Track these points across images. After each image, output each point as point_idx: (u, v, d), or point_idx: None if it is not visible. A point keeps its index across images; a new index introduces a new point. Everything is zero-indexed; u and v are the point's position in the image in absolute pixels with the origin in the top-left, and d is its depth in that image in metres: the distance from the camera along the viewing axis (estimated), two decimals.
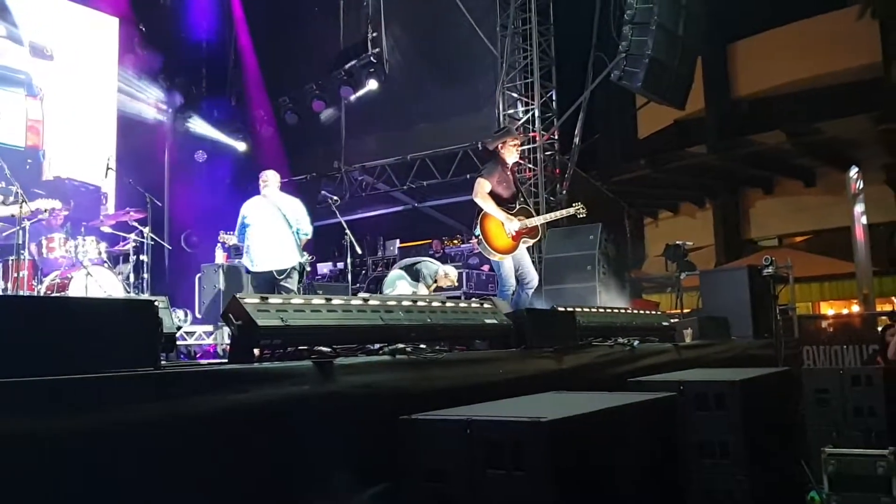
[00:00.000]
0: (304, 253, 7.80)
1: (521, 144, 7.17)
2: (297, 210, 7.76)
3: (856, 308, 16.45)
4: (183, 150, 13.49)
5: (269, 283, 7.48)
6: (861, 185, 15.31)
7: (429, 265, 9.29)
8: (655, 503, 3.39)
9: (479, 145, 13.56)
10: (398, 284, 8.94)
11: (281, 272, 7.52)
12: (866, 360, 9.35)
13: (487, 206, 6.87)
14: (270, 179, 7.84)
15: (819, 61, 20.64)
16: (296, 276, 7.56)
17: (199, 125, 13.65)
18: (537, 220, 7.04)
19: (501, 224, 6.87)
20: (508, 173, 7.11)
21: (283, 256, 7.59)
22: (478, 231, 6.90)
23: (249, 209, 7.72)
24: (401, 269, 9.21)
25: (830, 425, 7.05)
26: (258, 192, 7.74)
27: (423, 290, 9.01)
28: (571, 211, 7.33)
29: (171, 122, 13.53)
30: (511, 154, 7.13)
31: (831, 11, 20.59)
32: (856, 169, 15.94)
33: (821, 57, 20.53)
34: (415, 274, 9.11)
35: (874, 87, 19.81)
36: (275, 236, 7.57)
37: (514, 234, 6.89)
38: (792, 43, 21.43)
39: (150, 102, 12.95)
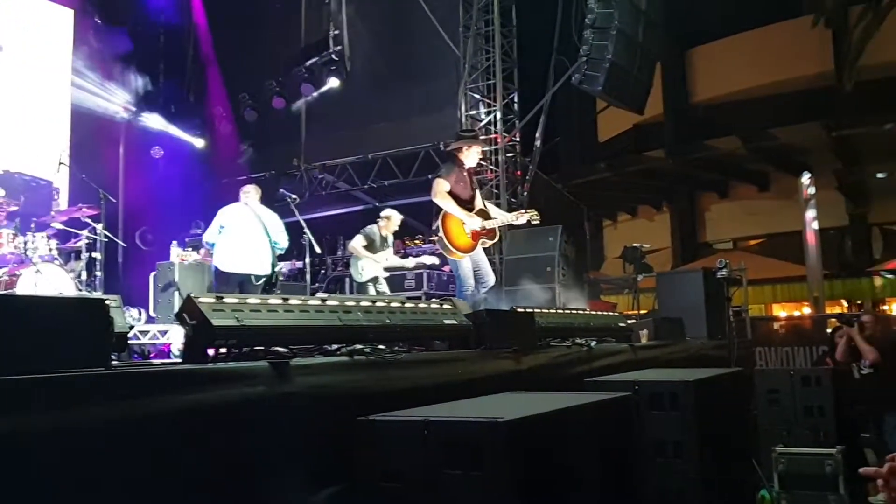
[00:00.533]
0: (278, 263, 8.11)
1: (484, 148, 7.09)
2: (276, 223, 8.08)
3: (807, 310, 16.81)
4: (139, 145, 13.25)
5: (236, 285, 7.61)
6: (813, 191, 15.65)
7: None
8: (611, 501, 3.42)
9: (441, 145, 13.57)
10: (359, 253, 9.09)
11: (259, 277, 7.73)
12: (816, 362, 9.56)
13: (447, 205, 6.80)
14: (252, 191, 8.18)
15: (774, 69, 21.04)
16: (264, 284, 7.71)
17: (155, 120, 13.42)
18: (496, 223, 7.00)
19: (462, 223, 6.82)
20: (465, 174, 7.03)
21: (258, 262, 7.82)
22: (439, 230, 6.84)
23: (229, 213, 7.95)
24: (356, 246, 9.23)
25: (781, 424, 7.19)
26: (223, 192, 7.87)
27: (379, 244, 9.11)
28: (526, 216, 7.25)
29: (127, 117, 13.29)
30: (470, 157, 7.06)
31: (786, 20, 21.01)
32: (808, 175, 16.30)
33: (775, 64, 20.94)
34: (365, 235, 9.17)
35: (826, 94, 20.26)
36: (252, 242, 7.82)
37: (473, 233, 6.86)
38: (748, 50, 21.84)
39: (106, 97, 12.71)
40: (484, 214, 7.00)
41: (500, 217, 7.12)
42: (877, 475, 1.70)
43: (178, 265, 9.73)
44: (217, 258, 7.89)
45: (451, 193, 6.83)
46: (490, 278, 7.09)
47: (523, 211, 7.26)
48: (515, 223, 7.22)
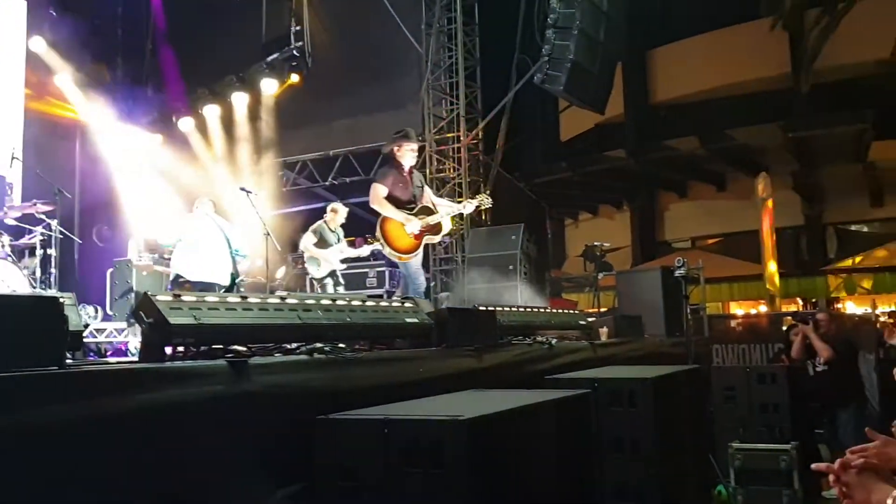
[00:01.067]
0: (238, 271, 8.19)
1: (415, 146, 7.11)
2: (236, 232, 8.21)
3: (763, 308, 17.11)
4: (95, 140, 13.01)
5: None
6: (769, 191, 15.91)
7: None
8: (570, 498, 3.45)
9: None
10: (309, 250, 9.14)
11: (220, 287, 7.79)
12: (772, 359, 9.73)
13: (385, 209, 6.80)
14: (207, 203, 8.31)
15: (732, 70, 21.37)
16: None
17: (112, 115, 13.19)
18: (439, 217, 6.94)
19: (402, 225, 6.81)
20: (405, 175, 7.01)
21: (221, 272, 7.92)
22: (379, 236, 6.85)
23: (191, 225, 8.07)
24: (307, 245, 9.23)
25: (737, 421, 7.31)
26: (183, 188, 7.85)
27: (330, 239, 9.14)
28: (474, 203, 7.24)
29: (84, 112, 13.02)
30: (406, 157, 7.01)
31: (745, 22, 21.34)
32: (765, 175, 16.58)
33: (734, 66, 21.25)
34: (314, 232, 9.20)
35: (784, 96, 20.64)
36: (214, 253, 7.91)
37: (416, 233, 6.83)
38: (707, 52, 22.15)
39: (61, 90, 12.44)
40: (427, 211, 6.94)
41: (445, 210, 7.06)
42: (829, 471, 1.73)
43: (136, 263, 9.60)
44: (179, 267, 7.94)
45: (389, 196, 6.84)
46: (417, 285, 7.08)
47: (470, 199, 7.28)
48: (464, 212, 7.26)
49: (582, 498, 3.52)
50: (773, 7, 19.71)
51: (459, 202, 7.65)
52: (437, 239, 7.09)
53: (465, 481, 2.67)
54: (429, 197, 7.15)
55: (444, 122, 13.16)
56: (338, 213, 9.38)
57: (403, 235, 6.82)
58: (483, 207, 7.38)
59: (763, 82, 21.36)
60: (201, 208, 8.21)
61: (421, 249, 6.94)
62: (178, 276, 7.97)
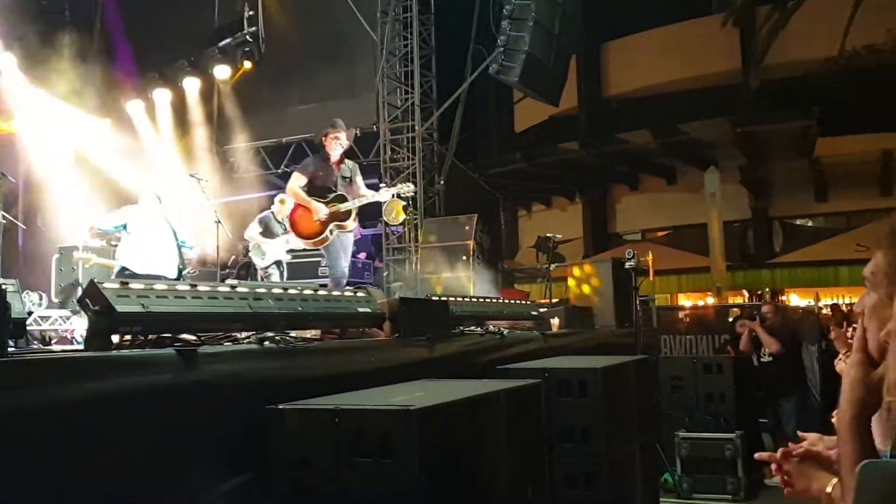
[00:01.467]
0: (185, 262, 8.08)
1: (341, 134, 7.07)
2: (183, 225, 8.05)
3: (710, 300, 17.44)
4: (41, 123, 12.66)
5: None
6: (718, 185, 16.20)
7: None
8: (520, 487, 3.49)
9: (358, 131, 13.47)
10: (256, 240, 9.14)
11: (167, 279, 7.57)
12: (718, 350, 9.93)
13: (296, 197, 6.91)
14: (152, 194, 8.03)
15: (684, 65, 21.69)
16: None
17: (59, 97, 12.84)
18: (350, 205, 6.89)
19: (310, 212, 6.84)
20: (331, 164, 7.01)
21: (168, 264, 7.75)
22: (287, 224, 6.90)
23: (137, 215, 7.79)
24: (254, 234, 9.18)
25: (684, 410, 7.47)
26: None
27: (277, 229, 9.10)
28: (392, 191, 7.18)
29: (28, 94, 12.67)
30: (333, 147, 7.00)
31: (698, 18, 21.66)
32: (713, 169, 16.87)
33: (686, 61, 21.58)
34: (260, 221, 9.18)
35: (733, 91, 21.01)
36: (162, 245, 7.74)
37: (322, 218, 6.82)
38: (660, 46, 22.43)
39: (4, 72, 12.07)
40: (341, 199, 6.91)
41: (362, 198, 7.00)
42: (771, 460, 1.77)
43: (82, 250, 9.38)
44: (125, 259, 7.71)
45: (308, 185, 6.91)
46: (335, 270, 7.07)
47: (388, 187, 7.30)
48: (381, 199, 7.15)
49: (532, 486, 3.55)
50: (724, 4, 20.05)
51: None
52: (347, 226, 6.96)
53: (415, 471, 2.68)
54: (359, 187, 7.10)
55: (399, 110, 13.12)
56: (285, 203, 9.28)
57: (310, 222, 6.85)
58: (404, 195, 7.34)
59: (714, 78, 21.73)
60: (147, 199, 8.01)
61: (333, 236, 6.90)
62: (123, 269, 7.80)
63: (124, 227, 7.70)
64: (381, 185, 7.57)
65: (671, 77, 22.15)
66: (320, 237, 6.89)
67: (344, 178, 7.05)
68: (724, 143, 19.53)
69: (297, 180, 6.94)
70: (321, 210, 6.80)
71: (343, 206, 6.86)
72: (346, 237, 7.09)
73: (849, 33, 18.43)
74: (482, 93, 21.65)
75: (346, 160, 7.19)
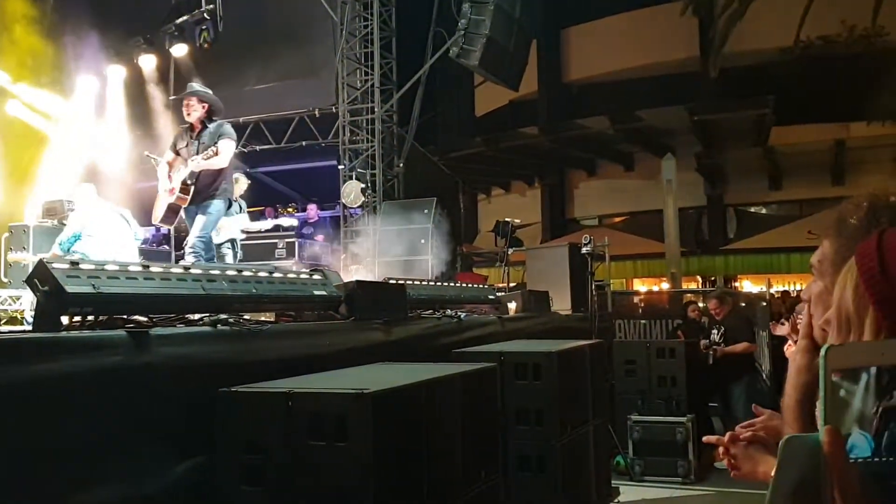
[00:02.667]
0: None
1: (188, 104, 6.87)
2: (130, 216, 7.73)
3: (665, 285, 17.69)
4: None
5: None
6: (674, 172, 16.40)
7: None
8: (474, 469, 3.51)
9: (316, 112, 13.36)
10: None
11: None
12: (669, 334, 10.09)
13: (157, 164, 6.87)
14: (90, 188, 7.65)
15: (643, 52, 21.86)
16: None
17: (11, 73, 12.50)
18: (179, 177, 6.72)
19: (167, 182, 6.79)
20: (191, 131, 6.88)
21: (129, 258, 7.34)
22: (241, 202, 6.89)
23: (91, 219, 7.24)
24: None
25: (637, 394, 7.59)
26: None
27: (232, 209, 8.88)
28: (192, 166, 6.73)
29: None
30: (186, 114, 6.90)
31: (658, 5, 21.82)
32: (671, 156, 17.07)
33: (645, 48, 21.75)
34: None
35: (691, 79, 21.26)
36: (122, 241, 7.34)
37: (169, 190, 6.73)
38: (620, 33, 22.59)
39: None
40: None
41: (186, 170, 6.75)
42: (719, 443, 1.81)
43: (34, 229, 9.19)
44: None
45: (176, 154, 6.86)
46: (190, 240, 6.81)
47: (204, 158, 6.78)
48: (196, 169, 6.73)
49: (486, 469, 3.58)
50: None
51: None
52: (182, 200, 6.75)
53: (369, 454, 2.69)
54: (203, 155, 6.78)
55: (359, 92, 13.03)
56: (238, 182, 9.14)
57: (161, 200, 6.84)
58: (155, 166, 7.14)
59: (673, 65, 21.96)
60: (84, 197, 7.56)
61: (182, 209, 6.79)
62: None
63: (78, 236, 7.15)
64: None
65: (630, 64, 22.32)
66: (180, 208, 6.78)
67: (203, 143, 6.79)
68: (680, 130, 19.76)
69: (168, 154, 6.91)
70: (164, 183, 6.74)
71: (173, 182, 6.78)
72: (202, 206, 6.79)
73: (804, 24, 18.73)
74: (443, 76, 21.57)
75: (209, 125, 6.91)
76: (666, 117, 19.58)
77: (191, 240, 6.69)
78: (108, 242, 7.18)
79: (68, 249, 6.99)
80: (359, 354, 4.16)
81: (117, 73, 13.27)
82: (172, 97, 6.76)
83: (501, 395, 4.35)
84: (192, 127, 6.83)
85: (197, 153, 6.63)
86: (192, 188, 6.66)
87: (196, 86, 7.13)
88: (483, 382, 3.79)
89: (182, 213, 6.87)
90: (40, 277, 2.96)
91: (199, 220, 6.74)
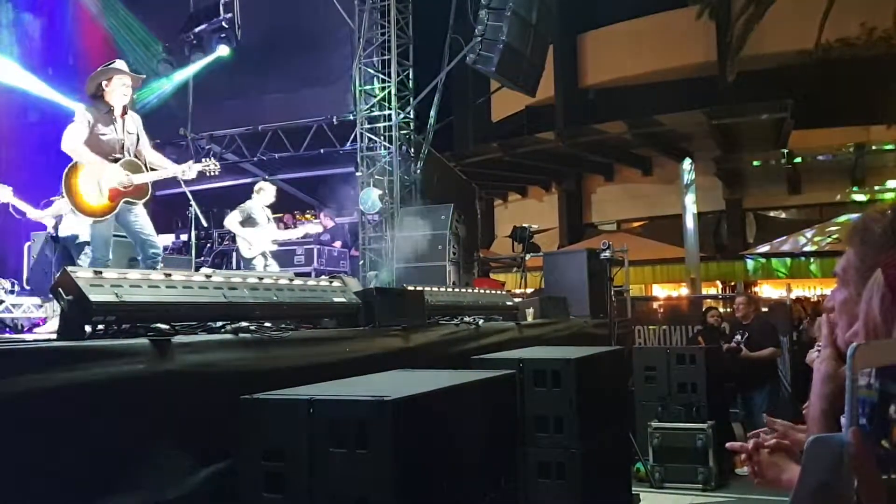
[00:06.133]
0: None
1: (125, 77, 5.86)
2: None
3: (684, 291, 17.59)
4: (12, 109, 12.47)
5: None
6: (693, 176, 16.33)
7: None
8: (494, 477, 3.51)
9: (334, 120, 13.41)
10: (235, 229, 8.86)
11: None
12: (689, 340, 10.02)
13: (80, 155, 5.60)
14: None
15: (661, 56, 21.80)
16: None
17: (33, 83, 12.65)
18: (147, 177, 5.78)
19: (97, 177, 5.62)
20: (117, 118, 5.78)
21: None
22: (63, 188, 5.65)
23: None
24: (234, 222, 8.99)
25: (656, 400, 7.55)
26: None
27: (258, 219, 8.82)
28: (198, 168, 6.06)
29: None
30: (117, 94, 5.76)
31: (674, 10, 21.76)
32: (689, 160, 17.00)
33: (663, 52, 21.69)
34: (240, 211, 8.87)
35: (709, 83, 21.17)
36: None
37: (113, 191, 5.63)
38: (637, 37, 22.53)
39: None
40: (134, 167, 5.78)
41: (160, 170, 5.94)
42: (742, 450, 1.79)
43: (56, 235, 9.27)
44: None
45: (89, 142, 5.65)
46: (152, 245, 5.86)
47: (192, 162, 6.18)
48: (185, 176, 6.02)
49: (506, 477, 3.58)
50: None
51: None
52: (139, 202, 5.79)
53: (390, 461, 2.69)
54: (144, 149, 5.97)
55: (376, 100, 13.05)
56: (264, 191, 9.12)
57: (94, 191, 5.63)
58: (209, 173, 6.28)
59: (690, 69, 21.88)
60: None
61: (112, 217, 5.72)
62: None
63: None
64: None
65: (647, 68, 22.27)
66: (108, 216, 5.70)
67: (130, 133, 5.87)
68: (699, 134, 19.67)
69: (79, 133, 5.63)
70: (113, 176, 5.62)
71: (138, 178, 5.73)
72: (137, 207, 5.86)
73: (824, 26, 18.60)
74: (459, 82, 21.61)
75: (130, 112, 5.96)
76: (684, 121, 19.50)
77: (158, 244, 6.02)
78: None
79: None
80: (378, 361, 4.17)
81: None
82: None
83: (521, 402, 4.34)
84: (110, 109, 5.82)
85: (123, 147, 5.81)
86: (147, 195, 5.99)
87: (123, 63, 6.15)
88: (503, 389, 3.79)
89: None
90: (65, 286, 3.00)
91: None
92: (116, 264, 8.03)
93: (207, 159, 6.37)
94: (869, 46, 18.91)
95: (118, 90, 5.76)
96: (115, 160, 5.70)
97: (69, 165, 5.64)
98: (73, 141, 5.60)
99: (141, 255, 5.86)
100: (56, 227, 7.68)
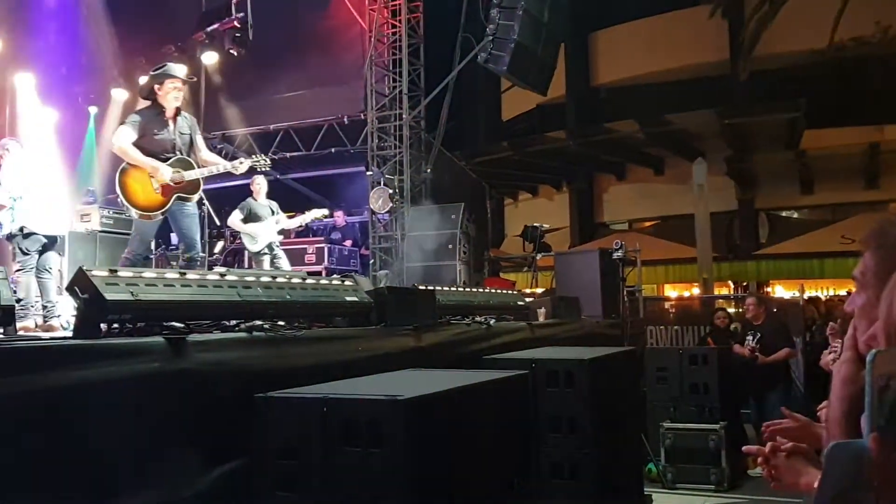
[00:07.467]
0: None
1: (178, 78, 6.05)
2: None
3: (696, 291, 17.54)
4: (28, 112, 12.53)
5: None
6: (705, 176, 16.26)
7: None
8: (507, 477, 3.50)
9: (345, 119, 13.44)
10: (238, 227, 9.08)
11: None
12: (699, 342, 9.98)
13: (128, 156, 5.79)
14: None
15: (672, 56, 21.71)
16: None
17: (46, 82, 12.71)
18: (198, 173, 5.95)
19: (148, 176, 5.80)
20: (168, 120, 5.99)
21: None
22: (117, 187, 5.82)
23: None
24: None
25: (669, 401, 7.52)
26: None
27: (260, 213, 9.01)
28: (248, 164, 6.35)
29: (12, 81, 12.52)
30: (170, 98, 5.98)
31: (686, 8, 21.66)
32: (701, 160, 16.93)
33: (674, 51, 21.60)
34: (240, 209, 9.08)
35: (721, 82, 21.06)
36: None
37: (164, 187, 5.81)
38: (648, 36, 22.44)
39: None
40: (185, 165, 5.96)
41: (211, 166, 6.12)
42: (759, 453, 1.79)
43: (69, 235, 9.33)
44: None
45: (140, 143, 5.85)
46: (193, 248, 6.11)
47: (242, 160, 6.42)
48: (234, 172, 6.29)
49: (519, 477, 3.58)
50: None
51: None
52: (191, 199, 6.00)
53: (403, 461, 2.69)
54: (200, 149, 6.21)
55: (387, 98, 13.07)
56: (259, 185, 9.25)
57: (146, 189, 5.81)
58: (259, 168, 6.60)
59: (702, 68, 21.78)
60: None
61: (159, 216, 5.94)
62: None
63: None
64: (239, 158, 6.67)
65: (659, 67, 22.17)
66: (157, 211, 5.89)
67: (182, 134, 6.07)
68: (711, 134, 19.58)
69: (127, 135, 5.81)
70: (164, 174, 5.80)
71: (189, 175, 5.91)
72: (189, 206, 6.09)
73: (838, 25, 18.46)
74: (470, 81, 21.59)
75: (183, 113, 6.18)
76: (695, 121, 19.41)
77: (197, 247, 6.25)
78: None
79: None
80: (390, 360, 4.18)
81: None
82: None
83: (533, 403, 4.34)
84: (162, 111, 6.05)
85: (175, 148, 6.02)
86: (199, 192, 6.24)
87: (176, 67, 6.33)
88: (515, 390, 3.78)
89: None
90: (80, 285, 3.02)
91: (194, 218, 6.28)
92: (111, 261, 8.06)
93: (258, 155, 6.60)
94: (883, 45, 18.74)
95: (170, 93, 5.99)
96: (167, 159, 5.90)
97: (121, 166, 5.88)
98: (121, 142, 5.82)
99: (181, 253, 6.20)
100: None
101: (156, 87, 6.01)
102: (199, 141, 6.26)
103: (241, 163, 6.31)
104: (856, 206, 19.38)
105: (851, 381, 1.36)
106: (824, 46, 18.70)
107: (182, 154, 6.01)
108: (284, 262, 8.94)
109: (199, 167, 6.05)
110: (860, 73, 18.66)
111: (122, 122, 6.03)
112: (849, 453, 0.84)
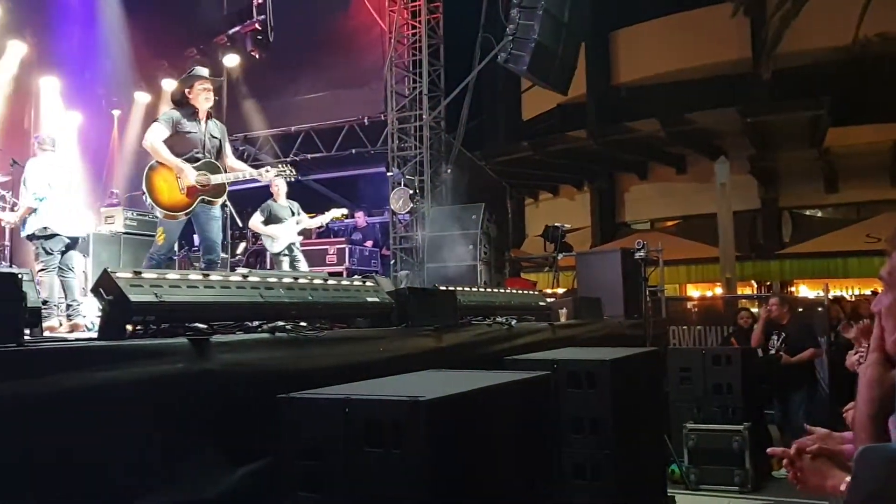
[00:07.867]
0: None
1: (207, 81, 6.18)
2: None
3: (719, 291, 17.41)
4: (52, 115, 12.68)
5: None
6: (728, 175, 16.15)
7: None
8: (529, 478, 3.50)
9: (366, 120, 13.48)
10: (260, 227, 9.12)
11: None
12: (722, 342, 9.91)
13: (158, 154, 5.84)
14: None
15: (694, 53, 21.57)
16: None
17: (67, 86, 12.85)
18: (223, 178, 6.01)
19: (174, 176, 5.85)
20: (200, 121, 6.09)
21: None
22: (144, 185, 5.87)
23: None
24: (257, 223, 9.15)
25: (692, 401, 7.47)
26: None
27: (281, 214, 9.06)
28: (273, 172, 6.41)
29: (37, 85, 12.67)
30: (201, 99, 6.08)
31: (708, 6, 21.51)
32: (724, 159, 16.80)
33: (696, 49, 21.45)
34: (261, 210, 9.14)
35: (743, 81, 20.90)
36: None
37: (190, 188, 5.86)
38: (670, 34, 22.30)
39: (14, 61, 12.08)
40: (213, 168, 6.00)
41: (237, 172, 6.19)
42: (784, 455, 1.77)
43: (93, 236, 9.43)
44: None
45: (170, 141, 5.92)
46: (214, 251, 6.16)
47: (268, 168, 6.47)
48: (260, 179, 6.46)
49: (541, 478, 3.57)
50: None
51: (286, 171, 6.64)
52: (216, 203, 6.06)
53: (424, 462, 2.69)
54: (227, 156, 6.29)
55: (407, 99, 13.10)
56: (278, 186, 9.30)
57: (172, 189, 5.85)
58: (285, 178, 6.69)
59: (724, 66, 21.62)
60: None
61: (184, 217, 5.97)
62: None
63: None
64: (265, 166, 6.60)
65: (680, 66, 22.04)
66: (181, 212, 5.93)
67: (213, 137, 6.15)
68: (733, 132, 19.44)
69: (159, 132, 5.88)
70: (189, 176, 5.84)
71: (215, 178, 5.96)
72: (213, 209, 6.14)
73: (862, 21, 18.24)
74: (490, 81, 21.58)
75: (215, 119, 6.31)
76: (717, 119, 19.28)
77: (218, 250, 6.32)
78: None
79: None
80: (411, 361, 4.18)
81: (171, 85, 13.53)
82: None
83: (555, 404, 4.32)
84: (194, 112, 6.15)
85: (204, 149, 6.10)
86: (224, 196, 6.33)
87: (206, 70, 6.51)
88: (537, 390, 3.77)
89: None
90: (105, 286, 3.05)
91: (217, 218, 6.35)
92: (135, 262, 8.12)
93: (284, 165, 6.66)
94: None
95: (201, 94, 6.10)
96: (196, 159, 5.96)
97: (150, 164, 5.92)
98: (152, 139, 5.88)
99: (202, 256, 6.31)
100: None
101: (186, 90, 6.15)
102: (228, 148, 6.36)
103: (266, 171, 6.41)
104: (881, 204, 19.13)
105: (878, 384, 1.34)
106: (848, 43, 18.49)
107: (210, 157, 6.08)
108: (303, 265, 9.00)
109: (225, 171, 6.14)
110: (885, 69, 18.42)
111: (155, 120, 6.13)
112: (880, 457, 0.83)
